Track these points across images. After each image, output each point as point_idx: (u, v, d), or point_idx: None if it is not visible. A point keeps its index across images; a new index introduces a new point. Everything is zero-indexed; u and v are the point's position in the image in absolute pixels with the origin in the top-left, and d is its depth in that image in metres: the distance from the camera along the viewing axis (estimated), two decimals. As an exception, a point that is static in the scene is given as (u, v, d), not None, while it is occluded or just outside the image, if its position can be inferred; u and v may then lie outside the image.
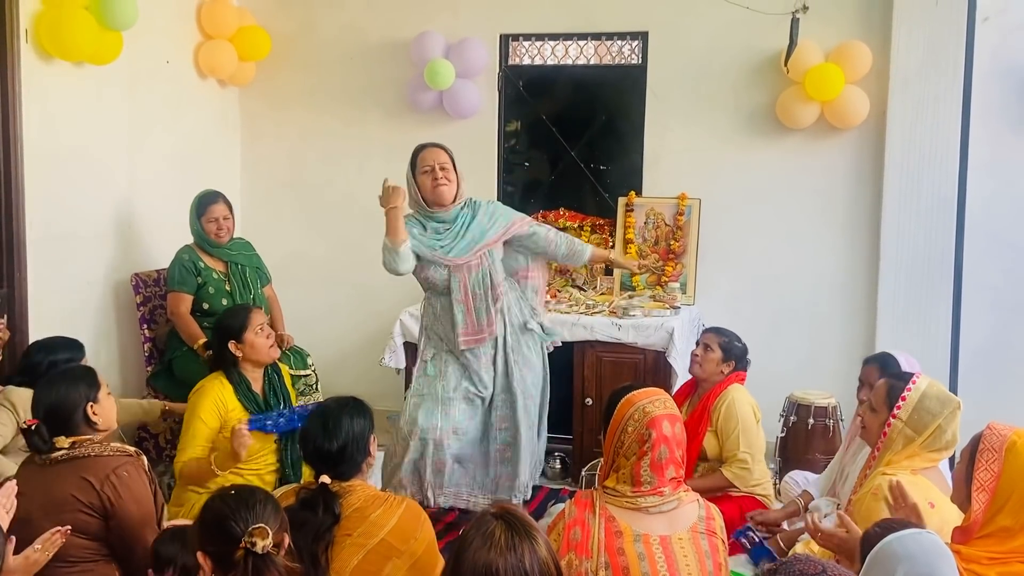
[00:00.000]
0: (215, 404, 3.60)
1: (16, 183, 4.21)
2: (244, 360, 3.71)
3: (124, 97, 4.88)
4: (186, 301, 4.54)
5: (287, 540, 2.17)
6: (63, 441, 2.76)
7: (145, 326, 4.85)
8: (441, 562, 2.54)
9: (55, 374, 2.95)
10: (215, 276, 4.63)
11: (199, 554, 2.10)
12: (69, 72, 4.48)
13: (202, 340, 4.41)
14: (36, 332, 4.30)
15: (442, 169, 3.94)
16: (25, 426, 2.78)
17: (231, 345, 3.69)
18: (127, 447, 2.88)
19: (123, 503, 2.71)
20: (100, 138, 4.75)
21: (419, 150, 4.03)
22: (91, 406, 2.81)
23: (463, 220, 4.00)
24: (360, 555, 2.42)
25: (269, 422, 3.55)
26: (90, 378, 2.89)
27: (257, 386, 3.77)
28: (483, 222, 4.01)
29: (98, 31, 4.33)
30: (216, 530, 2.08)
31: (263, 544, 2.04)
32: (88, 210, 4.69)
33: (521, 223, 4.14)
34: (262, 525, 2.06)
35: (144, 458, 2.88)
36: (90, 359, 4.52)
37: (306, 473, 3.50)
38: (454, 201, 3.98)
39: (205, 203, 4.66)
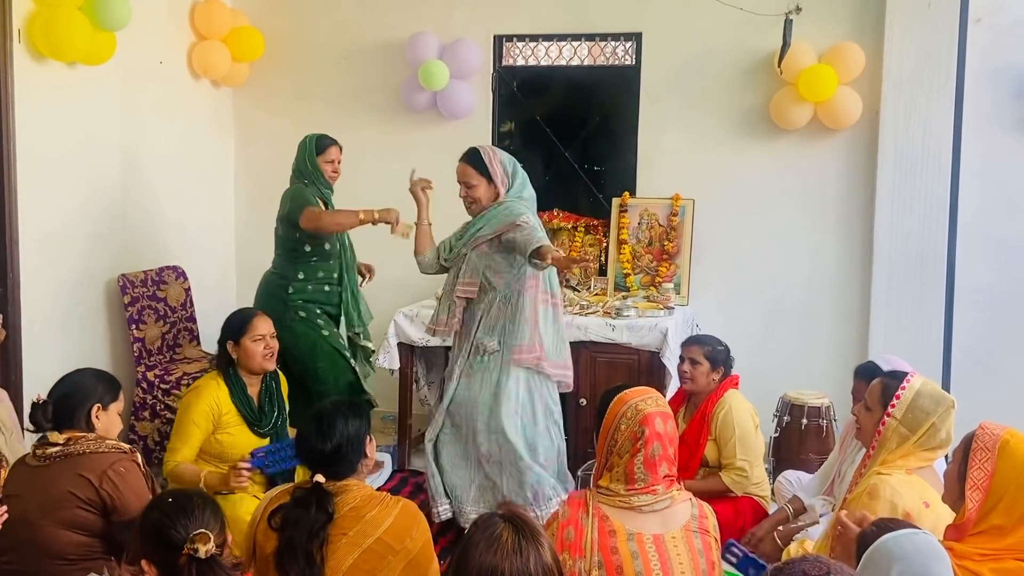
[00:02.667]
0: (209, 407, 3.60)
1: (9, 183, 4.20)
2: (239, 364, 3.72)
3: (117, 98, 4.88)
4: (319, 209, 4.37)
5: (229, 538, 2.20)
6: (57, 437, 2.76)
7: (133, 326, 4.85)
8: (436, 561, 2.55)
9: (84, 368, 2.99)
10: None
11: (143, 562, 2.11)
12: (62, 73, 4.47)
13: (361, 211, 4.32)
14: (28, 332, 4.30)
15: (468, 187, 3.93)
16: (36, 400, 2.81)
17: (228, 345, 3.70)
18: (121, 444, 2.88)
19: (123, 497, 2.71)
20: (93, 139, 4.74)
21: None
22: (98, 408, 2.84)
23: (481, 220, 3.95)
24: (355, 554, 2.42)
25: (269, 460, 3.49)
26: (112, 386, 2.94)
27: (253, 391, 3.77)
28: (479, 222, 3.94)
29: (91, 32, 4.32)
30: (156, 539, 2.10)
31: (205, 549, 2.06)
32: (81, 211, 4.68)
33: (512, 225, 3.82)
34: (203, 531, 2.08)
35: (138, 454, 2.88)
36: (82, 359, 4.54)
37: (300, 473, 3.50)
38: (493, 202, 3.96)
39: (324, 144, 4.51)
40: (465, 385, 3.96)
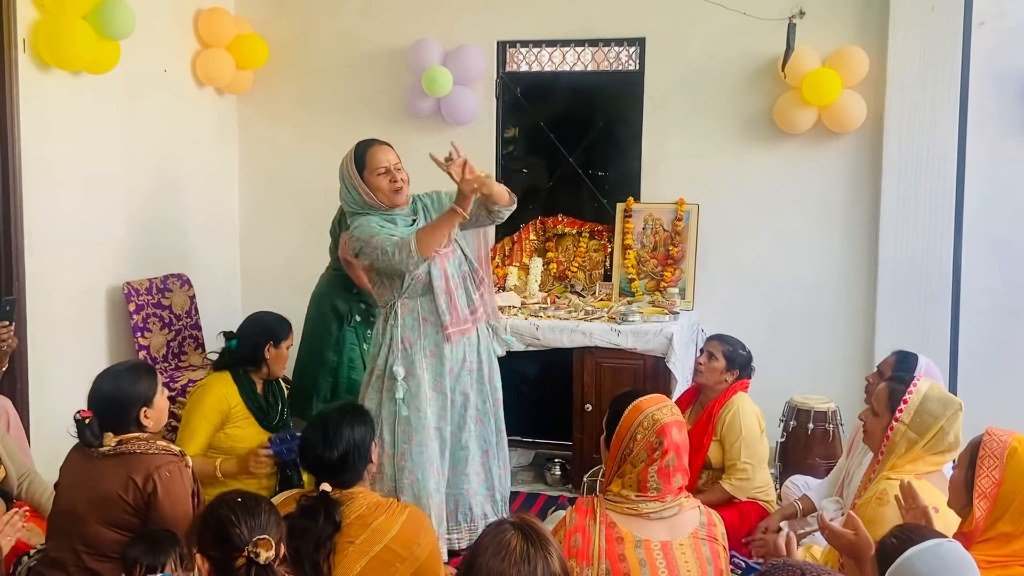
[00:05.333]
0: (218, 400, 3.63)
1: (14, 192, 4.21)
2: (263, 365, 3.75)
3: (122, 106, 4.88)
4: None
5: (283, 551, 2.18)
6: (110, 439, 2.76)
7: (139, 334, 4.85)
8: (443, 568, 2.54)
9: (118, 368, 2.92)
10: None
11: (198, 556, 2.11)
12: (67, 81, 4.48)
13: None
14: (33, 341, 4.30)
15: (397, 170, 3.67)
16: (79, 417, 2.78)
17: (268, 347, 3.71)
18: (172, 446, 2.87)
19: (160, 501, 2.72)
20: (97, 147, 4.75)
21: (364, 150, 3.69)
22: (145, 411, 2.82)
23: (425, 209, 3.76)
24: (363, 562, 2.42)
25: (285, 448, 3.52)
26: (151, 379, 2.88)
27: (258, 387, 3.81)
28: (445, 203, 3.71)
29: (96, 40, 4.34)
30: (219, 535, 2.09)
31: (266, 556, 2.05)
32: (86, 219, 4.69)
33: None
34: (267, 537, 2.07)
35: (188, 458, 2.87)
36: (87, 367, 4.52)
37: (307, 480, 3.50)
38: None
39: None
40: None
